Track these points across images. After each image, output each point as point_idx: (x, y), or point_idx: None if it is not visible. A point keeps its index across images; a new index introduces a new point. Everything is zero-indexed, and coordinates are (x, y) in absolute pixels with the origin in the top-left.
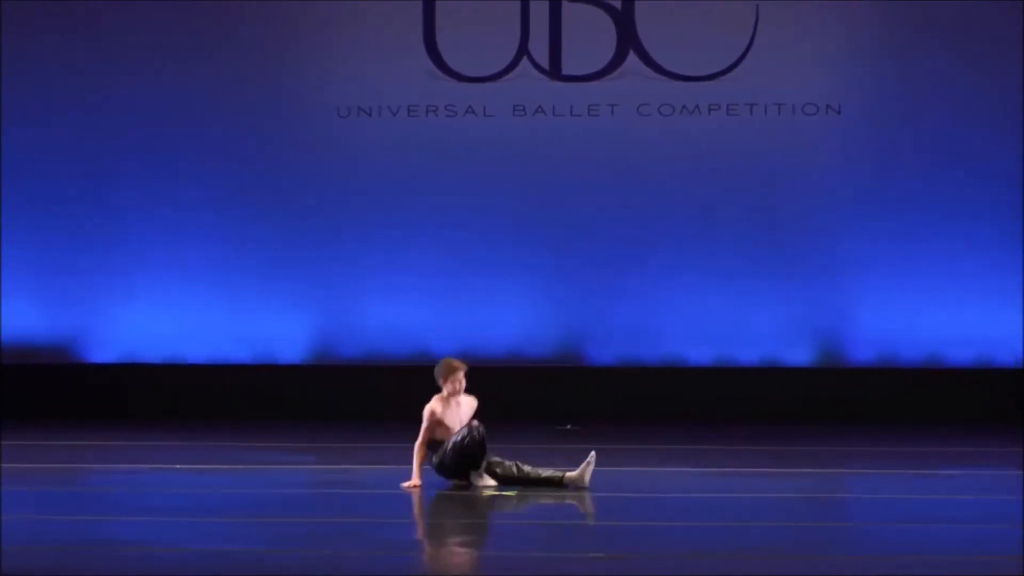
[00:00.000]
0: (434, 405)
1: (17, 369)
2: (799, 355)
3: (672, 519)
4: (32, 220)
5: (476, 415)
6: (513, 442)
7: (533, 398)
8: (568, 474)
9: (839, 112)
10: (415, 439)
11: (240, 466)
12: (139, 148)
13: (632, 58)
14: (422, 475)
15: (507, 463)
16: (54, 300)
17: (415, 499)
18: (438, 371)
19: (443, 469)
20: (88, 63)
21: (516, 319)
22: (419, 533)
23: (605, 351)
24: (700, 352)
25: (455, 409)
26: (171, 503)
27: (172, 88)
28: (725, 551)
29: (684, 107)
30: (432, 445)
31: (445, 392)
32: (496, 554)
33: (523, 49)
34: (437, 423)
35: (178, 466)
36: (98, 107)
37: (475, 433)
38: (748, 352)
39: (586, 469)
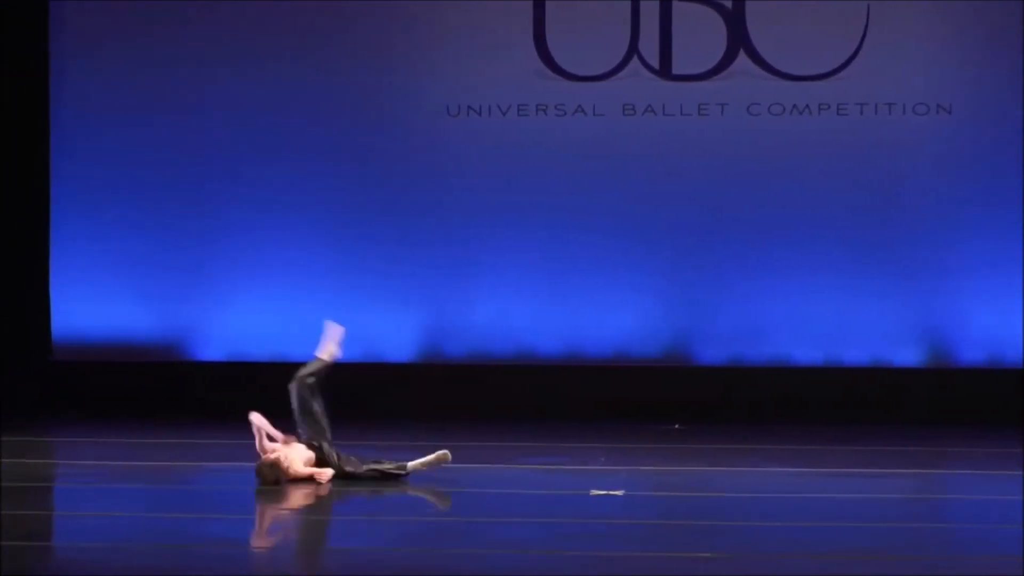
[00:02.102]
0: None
1: (123, 367)
2: (907, 356)
3: (777, 519)
4: (139, 218)
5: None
6: (620, 441)
7: (640, 398)
8: (410, 463)
9: (949, 112)
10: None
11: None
12: (248, 147)
13: (742, 57)
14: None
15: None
16: (161, 299)
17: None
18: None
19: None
20: (198, 61)
21: (623, 319)
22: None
23: (713, 351)
24: (808, 352)
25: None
26: (278, 500)
27: (283, 87)
28: (828, 552)
29: (794, 107)
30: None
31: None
32: (609, 554)
33: (633, 48)
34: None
35: None
36: (208, 105)
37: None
38: (856, 352)
39: (429, 461)
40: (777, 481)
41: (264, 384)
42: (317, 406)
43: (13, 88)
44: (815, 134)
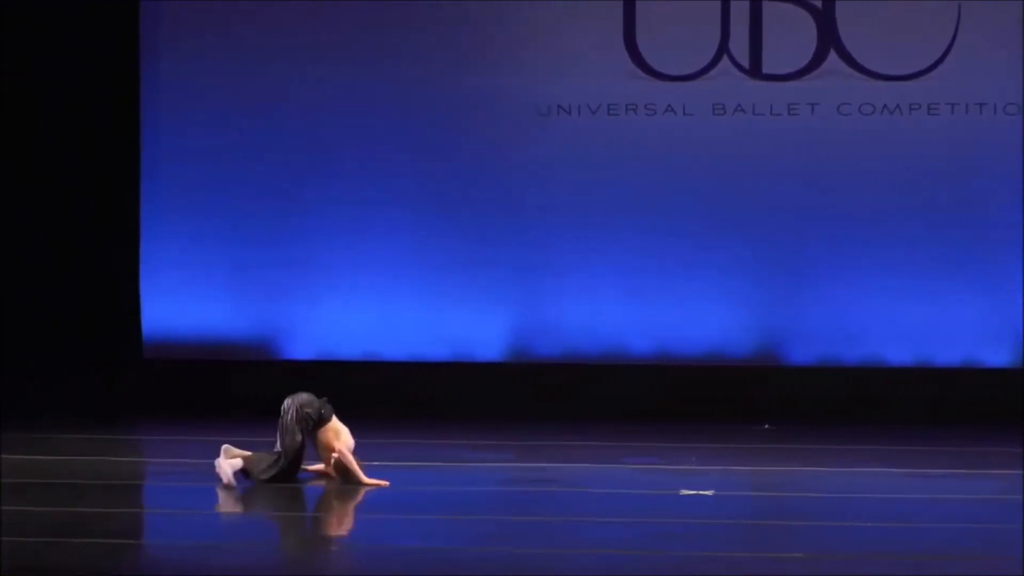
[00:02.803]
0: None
1: (213, 366)
2: (999, 356)
3: (867, 520)
4: (229, 217)
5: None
6: (710, 441)
7: (730, 398)
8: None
9: None
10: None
11: (437, 463)
12: (338, 146)
13: (833, 57)
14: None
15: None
16: (251, 297)
17: None
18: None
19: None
20: (288, 60)
21: (713, 319)
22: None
23: (803, 351)
24: (899, 352)
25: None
26: (368, 499)
27: (372, 86)
28: (920, 553)
29: (885, 107)
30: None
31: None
32: (698, 554)
33: (723, 48)
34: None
35: (374, 463)
36: (298, 105)
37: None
38: (947, 353)
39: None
40: (867, 481)
41: (354, 383)
42: (299, 437)
43: (104, 88)
44: (905, 134)
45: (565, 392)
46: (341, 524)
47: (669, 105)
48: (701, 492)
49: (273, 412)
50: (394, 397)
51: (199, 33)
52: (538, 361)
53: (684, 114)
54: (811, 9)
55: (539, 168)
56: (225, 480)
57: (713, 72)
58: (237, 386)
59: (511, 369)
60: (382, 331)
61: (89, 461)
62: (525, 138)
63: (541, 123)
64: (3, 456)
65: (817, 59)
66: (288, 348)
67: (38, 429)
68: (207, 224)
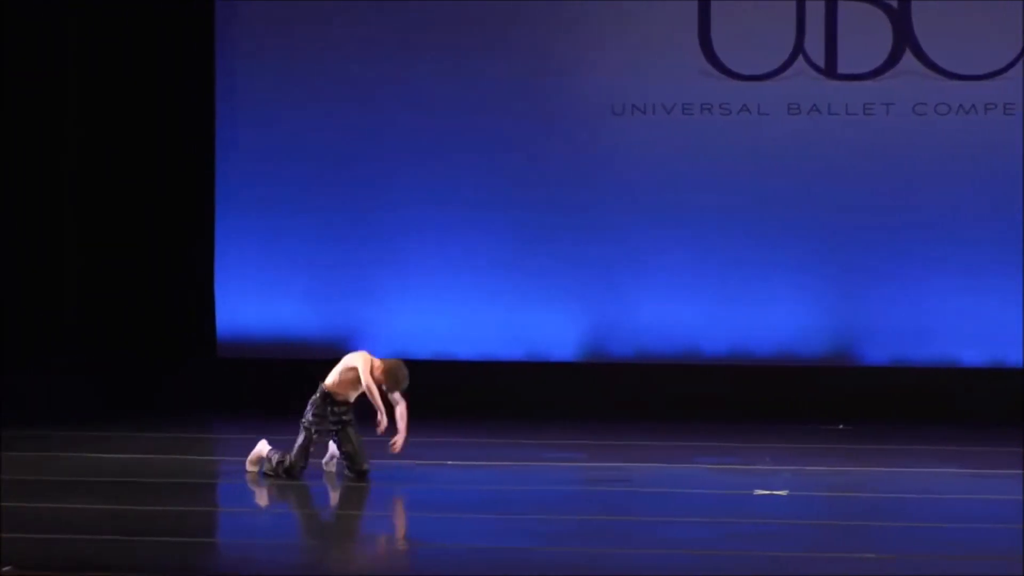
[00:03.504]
0: (373, 381)
1: (287, 364)
2: None
3: (942, 520)
4: (303, 216)
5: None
6: (785, 441)
7: (805, 397)
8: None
9: None
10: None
11: (511, 463)
12: (413, 145)
13: (908, 57)
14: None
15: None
16: (325, 296)
17: None
18: (391, 372)
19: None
20: (363, 59)
21: (788, 318)
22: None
23: (877, 351)
24: (972, 352)
25: (375, 393)
26: (442, 499)
27: (448, 85)
28: (995, 553)
29: (960, 106)
30: (331, 397)
31: (385, 386)
32: (772, 554)
33: (799, 47)
34: (361, 382)
35: (449, 462)
36: (373, 104)
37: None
38: (1021, 352)
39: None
40: (942, 482)
41: (428, 382)
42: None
43: (179, 87)
44: (980, 134)
45: (639, 392)
46: (414, 524)
47: (744, 105)
48: (775, 492)
49: None
50: (468, 396)
51: (273, 33)
52: (612, 361)
53: (759, 114)
54: (887, 8)
55: (613, 168)
56: (256, 454)
57: (788, 72)
58: (311, 385)
59: (585, 369)
60: (456, 330)
61: (164, 459)
62: (600, 138)
63: (616, 123)
64: (81, 454)
65: (892, 59)
66: (361, 346)
67: (114, 427)
68: (281, 223)
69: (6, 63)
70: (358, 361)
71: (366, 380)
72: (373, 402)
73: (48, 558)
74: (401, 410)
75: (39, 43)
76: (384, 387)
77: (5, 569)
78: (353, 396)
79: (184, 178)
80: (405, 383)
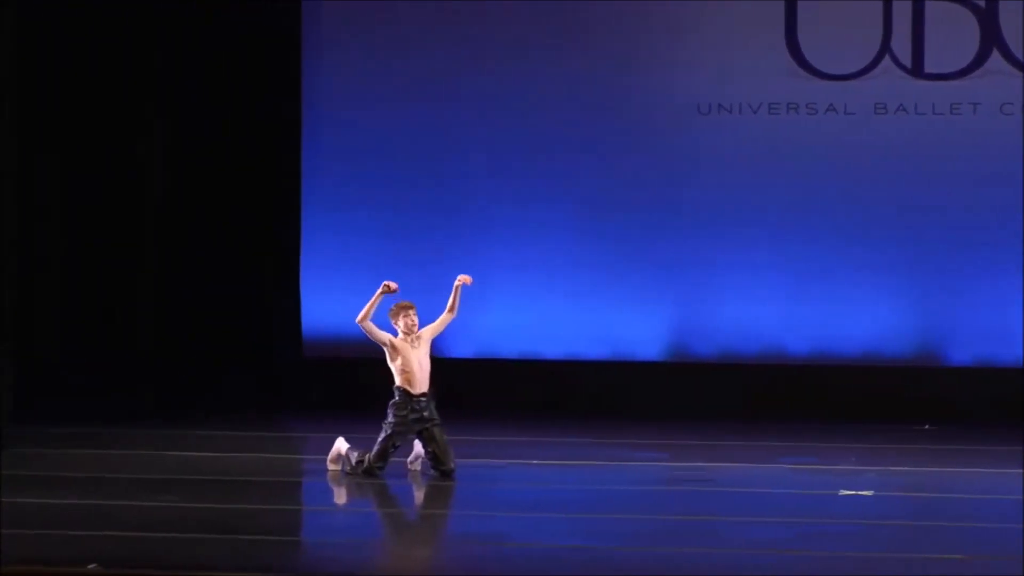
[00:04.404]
0: (396, 340)
1: (373, 364)
2: None
3: None
4: (389, 216)
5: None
6: (870, 441)
7: (890, 398)
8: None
9: None
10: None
11: (595, 462)
12: (497, 144)
13: (995, 56)
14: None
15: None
16: (411, 296)
17: None
18: (391, 314)
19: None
20: (448, 59)
21: (872, 319)
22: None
23: (962, 351)
24: None
25: (415, 351)
26: (526, 497)
27: (533, 85)
28: None
29: None
30: (405, 391)
31: (401, 333)
32: (857, 555)
33: (885, 47)
34: (398, 359)
35: (534, 462)
36: (458, 104)
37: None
38: None
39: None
40: None
41: (513, 382)
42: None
43: (265, 87)
44: None
45: (723, 392)
46: (498, 523)
47: (830, 104)
48: (860, 492)
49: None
50: (552, 396)
51: (358, 33)
52: (696, 361)
53: (845, 113)
54: (974, 8)
55: (699, 167)
56: (336, 451)
57: (875, 71)
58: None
59: (669, 368)
60: (542, 330)
61: (249, 458)
62: (686, 137)
63: (702, 122)
64: (166, 453)
65: (980, 58)
66: (448, 346)
67: (200, 427)
68: (366, 222)
69: (97, 64)
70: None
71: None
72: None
73: (134, 555)
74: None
75: (128, 43)
76: (401, 327)
77: (91, 567)
78: (424, 383)
79: (270, 179)
80: (403, 308)
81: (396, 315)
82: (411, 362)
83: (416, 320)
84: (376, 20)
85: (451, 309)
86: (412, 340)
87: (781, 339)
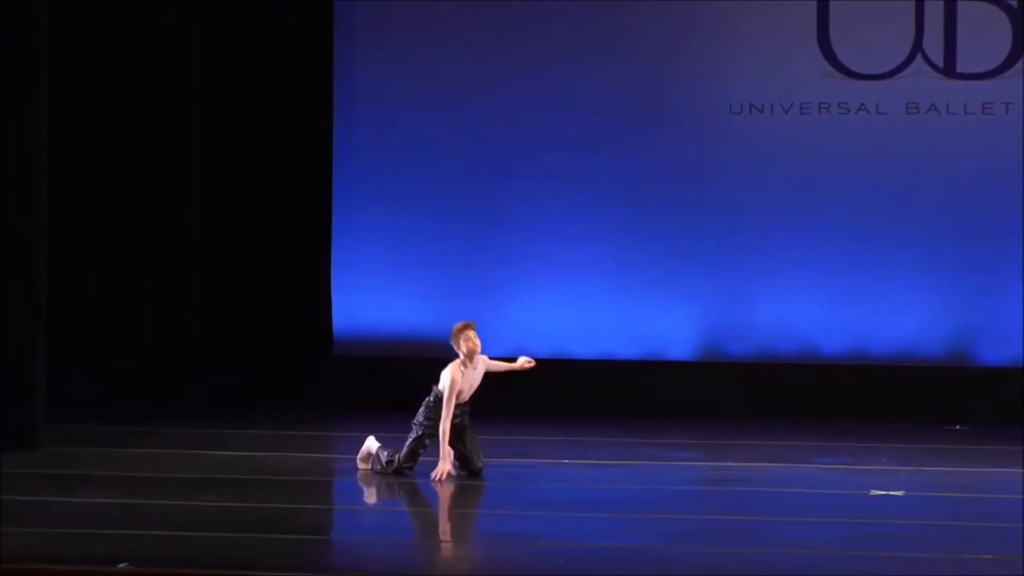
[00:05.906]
0: (455, 373)
1: (404, 362)
2: None
3: None
4: (420, 215)
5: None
6: (902, 442)
7: (922, 398)
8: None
9: None
10: (799, 437)
11: (629, 462)
12: (531, 144)
13: None
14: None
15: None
16: (442, 294)
17: None
18: (452, 337)
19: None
20: (482, 58)
21: (907, 319)
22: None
23: (996, 351)
24: None
25: (470, 374)
26: (559, 498)
27: (568, 85)
28: None
29: None
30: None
31: (462, 356)
32: (889, 555)
33: (917, 46)
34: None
35: (566, 461)
36: (492, 102)
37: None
38: None
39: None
40: None
41: (545, 381)
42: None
43: (297, 86)
44: None
45: (757, 391)
46: (531, 523)
47: (862, 104)
48: (892, 492)
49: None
50: (586, 395)
51: (390, 32)
52: (730, 360)
53: (877, 113)
54: (1006, 8)
55: (731, 167)
56: (366, 450)
57: (907, 71)
58: (427, 383)
59: (704, 368)
60: (575, 329)
61: (279, 457)
62: (718, 137)
63: (734, 122)
64: (200, 452)
65: (1012, 58)
66: (482, 346)
67: (231, 425)
68: (398, 221)
69: (130, 68)
70: (445, 381)
71: (446, 411)
72: (441, 444)
73: (167, 554)
74: (502, 365)
75: (164, 49)
76: (463, 350)
77: (122, 566)
78: (466, 395)
79: (302, 177)
80: (464, 330)
81: (457, 338)
82: (464, 383)
83: (477, 342)
84: (411, 20)
85: (506, 371)
86: (473, 363)
87: (816, 339)
